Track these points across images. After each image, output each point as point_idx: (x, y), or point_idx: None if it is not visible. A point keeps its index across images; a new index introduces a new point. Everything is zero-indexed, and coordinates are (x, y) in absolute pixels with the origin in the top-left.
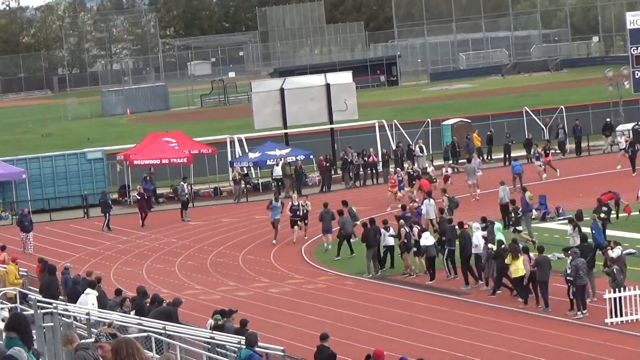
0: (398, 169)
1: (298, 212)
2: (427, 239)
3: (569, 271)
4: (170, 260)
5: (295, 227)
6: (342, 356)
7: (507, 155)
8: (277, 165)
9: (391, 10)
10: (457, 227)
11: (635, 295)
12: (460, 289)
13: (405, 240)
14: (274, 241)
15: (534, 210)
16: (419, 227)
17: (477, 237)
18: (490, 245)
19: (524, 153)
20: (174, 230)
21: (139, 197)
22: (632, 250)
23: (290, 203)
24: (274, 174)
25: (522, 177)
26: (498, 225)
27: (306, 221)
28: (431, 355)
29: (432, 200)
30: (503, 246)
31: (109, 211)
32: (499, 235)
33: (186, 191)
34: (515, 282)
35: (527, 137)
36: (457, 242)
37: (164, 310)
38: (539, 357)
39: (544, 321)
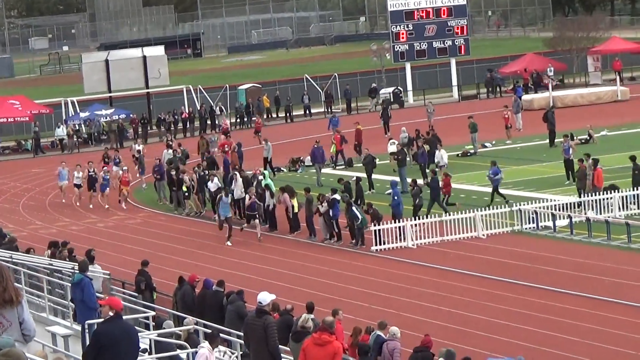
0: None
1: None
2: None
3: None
4: (15, 201)
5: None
6: (159, 279)
7: (288, 114)
8: (59, 127)
9: None
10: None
11: (390, 228)
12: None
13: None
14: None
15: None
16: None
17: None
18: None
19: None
20: (18, 176)
21: None
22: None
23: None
24: (56, 135)
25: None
26: (266, 172)
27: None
28: (225, 275)
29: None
30: (271, 190)
31: None
32: (267, 181)
33: None
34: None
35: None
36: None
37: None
38: (322, 279)
39: (322, 249)
